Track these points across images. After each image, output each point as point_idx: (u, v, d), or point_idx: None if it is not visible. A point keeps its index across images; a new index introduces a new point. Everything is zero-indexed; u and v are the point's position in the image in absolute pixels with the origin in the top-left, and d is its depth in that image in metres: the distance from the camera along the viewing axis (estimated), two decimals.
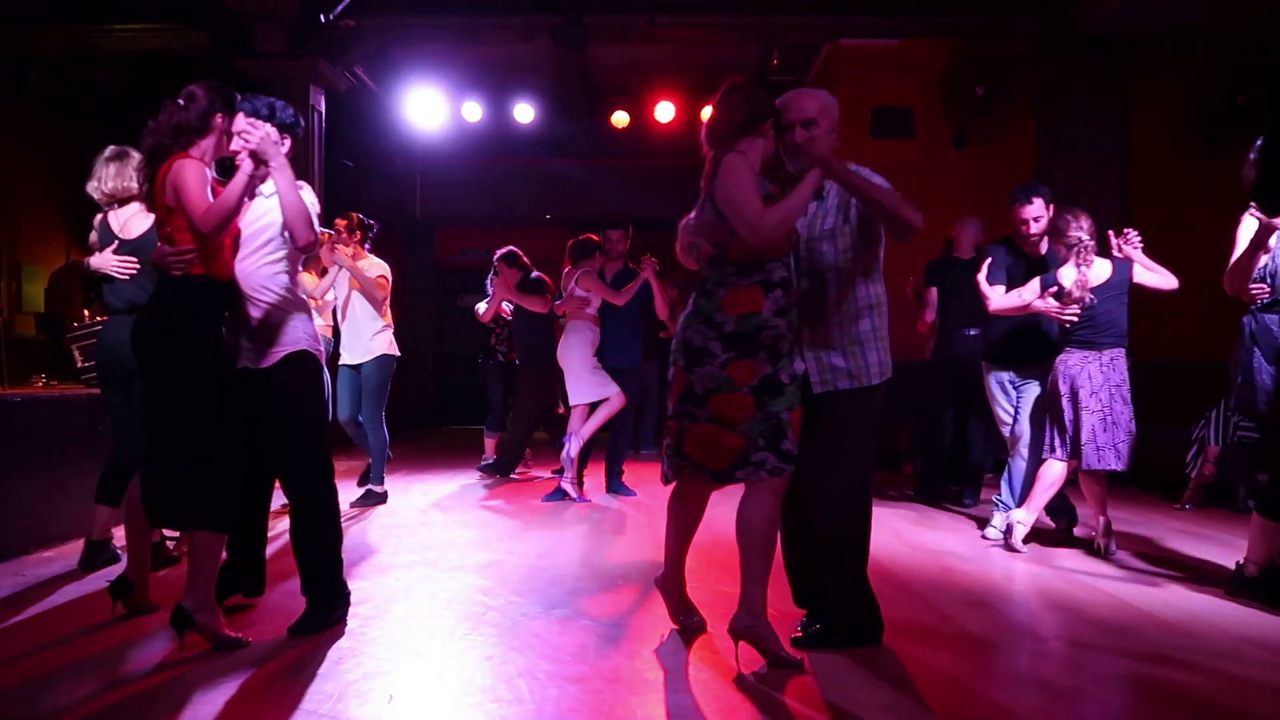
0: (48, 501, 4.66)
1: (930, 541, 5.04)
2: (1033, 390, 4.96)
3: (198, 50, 7.90)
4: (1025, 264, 4.94)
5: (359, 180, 11.33)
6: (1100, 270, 4.60)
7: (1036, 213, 4.88)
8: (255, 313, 3.26)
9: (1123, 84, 8.31)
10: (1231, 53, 7.90)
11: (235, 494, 3.14)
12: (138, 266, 4.10)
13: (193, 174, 3.06)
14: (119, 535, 4.57)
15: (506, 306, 7.27)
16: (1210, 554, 4.73)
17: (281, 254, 3.31)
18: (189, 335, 3.08)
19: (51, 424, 4.74)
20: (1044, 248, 4.93)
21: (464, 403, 12.41)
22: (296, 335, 3.30)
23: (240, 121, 3.24)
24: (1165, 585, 4.07)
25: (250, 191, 3.14)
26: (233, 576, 3.48)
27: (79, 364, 4.97)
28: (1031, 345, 4.95)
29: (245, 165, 3.11)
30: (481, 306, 7.39)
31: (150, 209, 3.33)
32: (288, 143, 3.35)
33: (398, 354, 6.23)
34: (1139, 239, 4.59)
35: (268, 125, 3.21)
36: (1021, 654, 3.20)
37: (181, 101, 3.17)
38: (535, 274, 7.02)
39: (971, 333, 6.10)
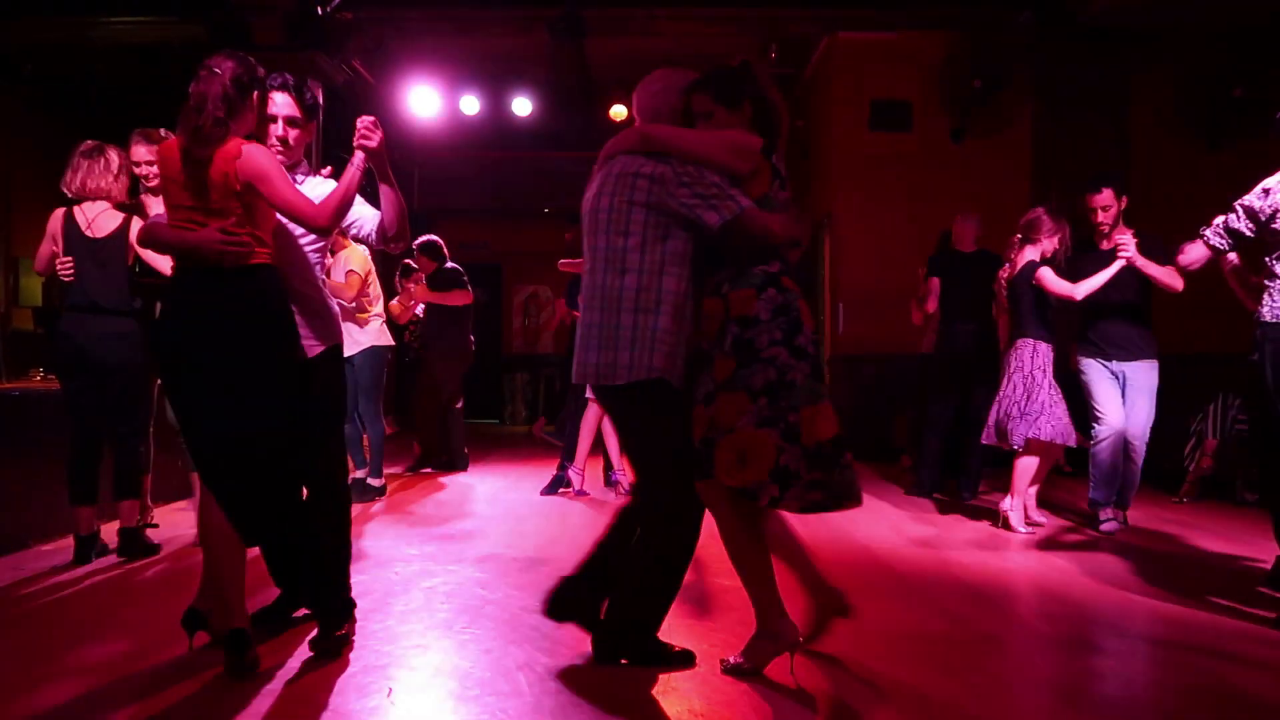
0: (46, 495, 4.66)
1: (928, 535, 5.05)
2: (1133, 376, 4.93)
3: (194, 42, 7.87)
4: (1096, 258, 4.96)
5: None
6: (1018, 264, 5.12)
7: (1105, 201, 4.94)
8: (299, 304, 3.09)
9: (1121, 76, 8.30)
10: (1229, 45, 7.89)
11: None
12: (73, 271, 4.14)
13: (274, 163, 2.85)
14: (111, 530, 4.58)
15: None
16: (1209, 547, 4.74)
17: (319, 245, 3.21)
18: (270, 324, 2.87)
19: (49, 417, 4.73)
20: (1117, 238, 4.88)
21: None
22: (333, 329, 3.20)
23: (280, 102, 3.06)
24: (1163, 578, 4.08)
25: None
26: (290, 599, 3.34)
27: None
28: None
29: (356, 160, 2.95)
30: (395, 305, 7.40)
31: (188, 190, 2.85)
32: (311, 128, 3.24)
33: (391, 344, 6.19)
34: (1131, 242, 4.69)
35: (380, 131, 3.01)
36: (1020, 648, 3.21)
37: (218, 70, 2.86)
38: (450, 264, 7.10)
39: (969, 326, 6.12)
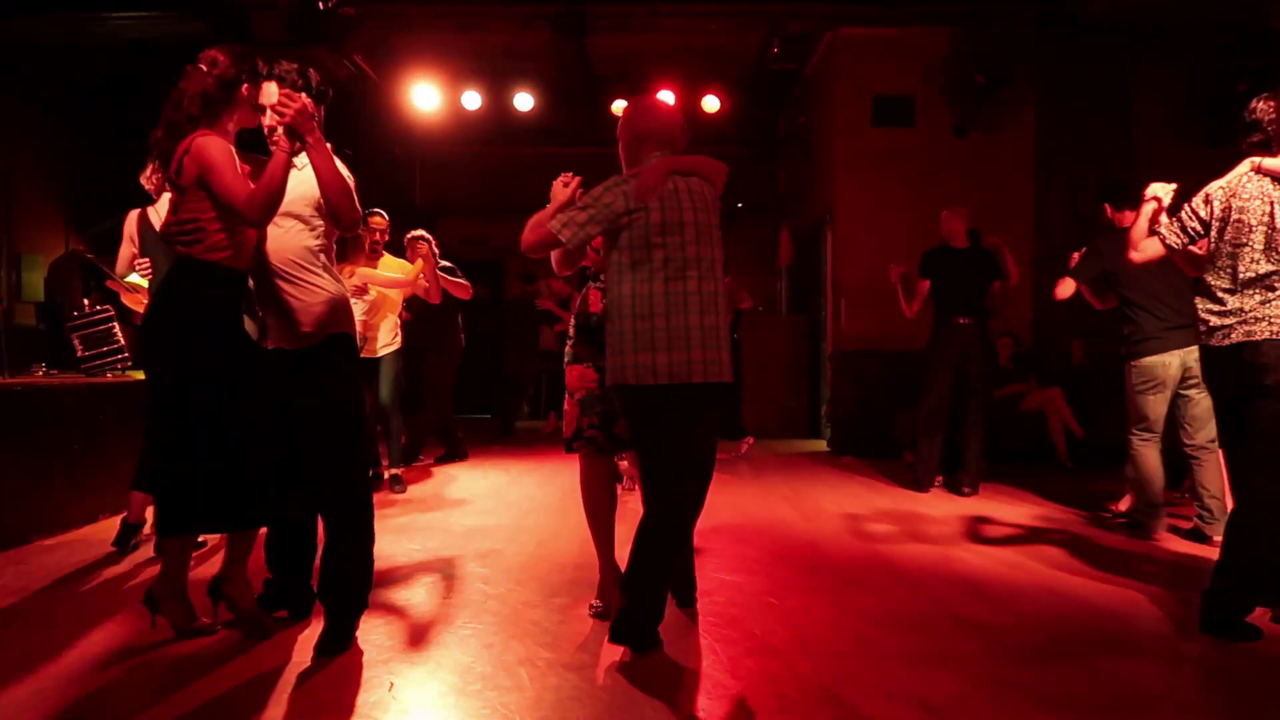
0: (49, 490, 4.67)
1: (930, 530, 5.04)
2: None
3: (195, 38, 7.88)
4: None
5: (358, 169, 11.29)
6: None
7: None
8: (292, 291, 3.03)
9: (1122, 73, 8.30)
10: (1231, 41, 7.88)
11: (244, 494, 2.96)
12: (152, 270, 4.19)
13: (222, 154, 2.83)
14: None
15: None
16: (1211, 543, 4.74)
17: (319, 229, 3.09)
18: (203, 325, 2.90)
19: (52, 413, 4.74)
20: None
21: (464, 393, 12.41)
22: (337, 317, 3.07)
23: (270, 92, 3.00)
24: (1163, 574, 4.08)
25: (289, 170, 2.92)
26: (277, 591, 3.29)
27: (79, 353, 4.99)
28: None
29: (282, 142, 2.86)
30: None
31: (170, 185, 3.00)
32: (320, 112, 3.11)
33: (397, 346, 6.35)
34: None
35: (304, 97, 2.93)
36: (1023, 642, 3.21)
37: (204, 67, 2.92)
38: (445, 262, 7.12)
39: (964, 321, 6.15)
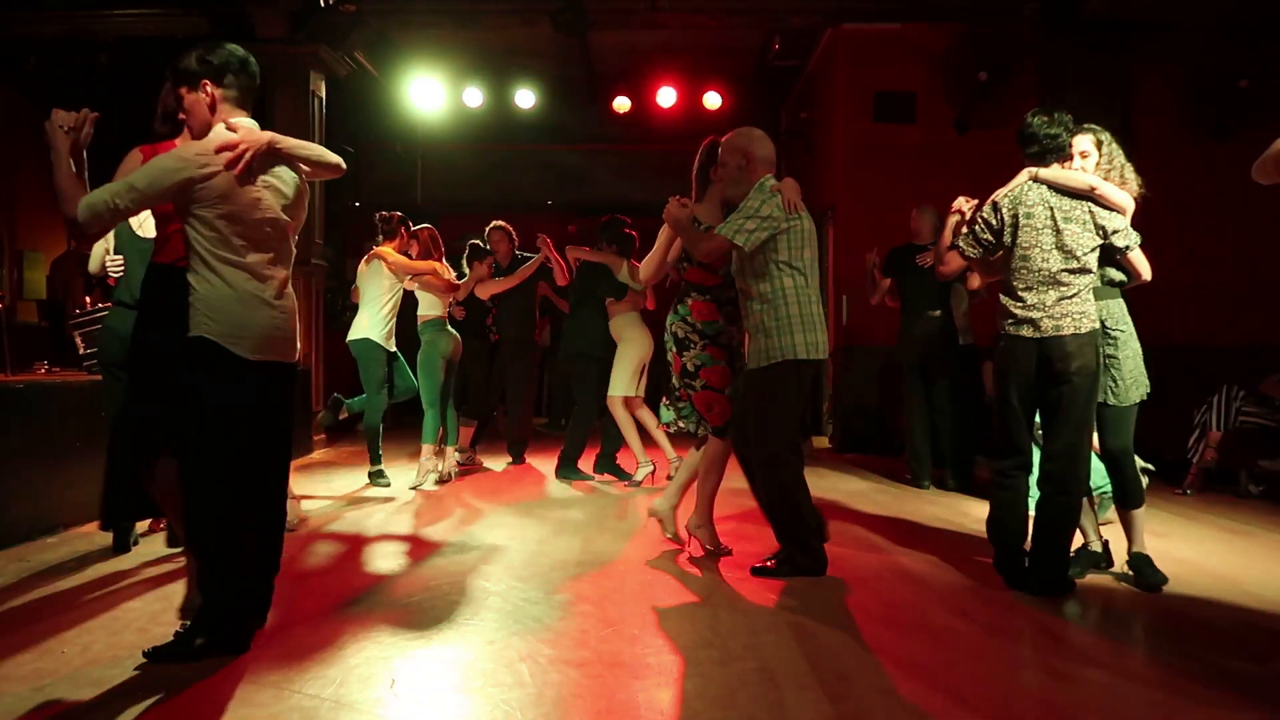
0: (50, 488, 4.67)
1: (929, 526, 5.05)
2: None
3: (197, 35, 7.88)
4: None
5: (360, 166, 11.32)
6: None
7: None
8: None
9: (1125, 68, 8.28)
10: (1234, 36, 7.86)
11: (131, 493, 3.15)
12: (123, 268, 4.20)
13: (130, 163, 3.03)
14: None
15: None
16: (1212, 540, 4.74)
17: (201, 229, 2.86)
18: (153, 325, 3.09)
19: (53, 411, 4.75)
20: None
21: (463, 389, 12.41)
22: (213, 319, 2.85)
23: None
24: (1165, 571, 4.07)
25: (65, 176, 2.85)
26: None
27: (81, 351, 4.99)
28: None
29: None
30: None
31: None
32: (218, 90, 2.94)
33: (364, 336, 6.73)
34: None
35: (58, 112, 2.88)
36: (1019, 636, 3.21)
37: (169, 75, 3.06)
38: (521, 254, 7.17)
39: (933, 314, 6.25)
